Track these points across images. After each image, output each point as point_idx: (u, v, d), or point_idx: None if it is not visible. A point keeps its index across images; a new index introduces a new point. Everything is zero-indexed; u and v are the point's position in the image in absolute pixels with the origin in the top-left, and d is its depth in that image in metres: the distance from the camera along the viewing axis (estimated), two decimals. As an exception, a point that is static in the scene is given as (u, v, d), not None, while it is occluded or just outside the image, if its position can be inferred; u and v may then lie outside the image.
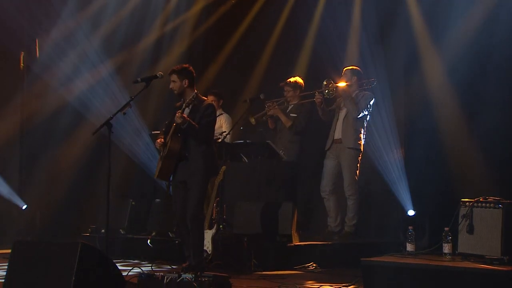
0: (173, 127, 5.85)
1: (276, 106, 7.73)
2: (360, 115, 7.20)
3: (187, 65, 6.06)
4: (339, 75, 7.39)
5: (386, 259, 5.25)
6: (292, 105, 7.78)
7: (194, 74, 6.06)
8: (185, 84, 5.94)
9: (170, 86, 6.00)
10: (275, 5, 9.21)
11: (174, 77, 5.94)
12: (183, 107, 5.94)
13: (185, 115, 5.81)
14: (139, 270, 5.75)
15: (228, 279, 5.21)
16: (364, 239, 7.39)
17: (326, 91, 7.13)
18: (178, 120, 5.73)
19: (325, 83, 7.13)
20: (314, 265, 6.59)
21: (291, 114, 7.70)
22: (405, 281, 4.93)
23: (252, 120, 7.77)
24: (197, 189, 5.83)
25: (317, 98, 7.25)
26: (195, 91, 6.03)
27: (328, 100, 7.39)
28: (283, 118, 7.69)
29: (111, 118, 5.47)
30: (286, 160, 7.53)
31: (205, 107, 5.94)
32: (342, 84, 7.24)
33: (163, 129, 6.05)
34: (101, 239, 7.34)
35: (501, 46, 6.24)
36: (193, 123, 5.79)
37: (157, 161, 6.18)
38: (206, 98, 6.14)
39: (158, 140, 6.02)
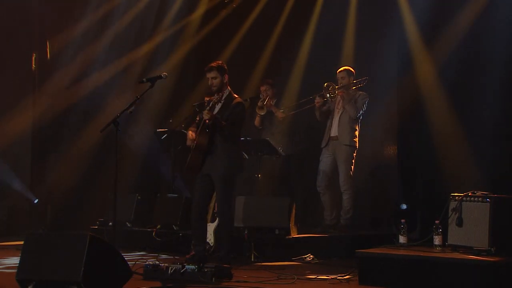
0: (202, 122, 5.94)
1: (268, 101, 7.90)
2: (358, 115, 7.32)
3: (221, 61, 6.17)
4: (334, 74, 7.51)
5: (380, 250, 5.36)
6: (273, 103, 7.98)
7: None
8: (225, 79, 6.05)
9: (210, 83, 6.07)
10: (274, 9, 9.27)
11: (213, 73, 6.02)
12: (211, 104, 5.98)
13: (213, 113, 5.86)
14: (144, 261, 5.82)
15: (229, 269, 5.33)
16: (358, 232, 7.42)
17: (328, 94, 7.25)
18: (206, 116, 5.81)
19: (325, 86, 7.26)
20: (311, 256, 6.66)
21: (280, 110, 7.88)
22: (398, 271, 5.03)
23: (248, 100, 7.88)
24: (222, 185, 5.95)
25: (317, 101, 7.36)
26: (228, 87, 6.14)
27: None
28: (275, 110, 7.87)
29: (118, 116, 5.50)
30: (282, 155, 7.68)
31: (235, 105, 6.02)
32: (342, 86, 7.35)
33: (196, 122, 6.12)
34: (108, 232, 7.40)
35: (489, 46, 6.32)
36: (221, 120, 5.85)
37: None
38: (237, 96, 6.18)
39: (190, 135, 6.05)
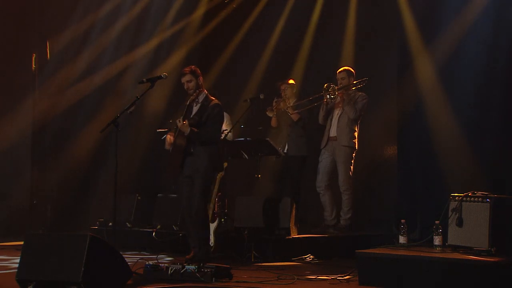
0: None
1: (282, 103, 7.87)
2: (357, 116, 7.33)
3: (194, 66, 6.24)
4: (334, 74, 7.51)
5: (380, 251, 5.36)
6: (291, 103, 7.90)
7: None
8: (200, 81, 6.15)
9: (186, 87, 6.16)
10: (274, 9, 9.31)
11: (188, 77, 6.12)
12: (185, 111, 6.08)
13: (186, 122, 5.96)
14: (144, 261, 5.76)
15: (229, 270, 5.33)
16: (358, 232, 7.44)
17: (328, 95, 7.23)
18: (184, 130, 5.94)
19: (325, 86, 7.24)
20: (311, 257, 6.67)
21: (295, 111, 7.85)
22: (398, 272, 5.01)
23: (271, 113, 7.87)
24: (200, 184, 6.00)
25: (326, 98, 7.29)
26: (204, 90, 6.23)
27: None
28: (291, 112, 7.80)
29: (118, 116, 5.57)
30: (295, 155, 7.69)
31: (212, 106, 6.12)
32: (342, 86, 7.34)
33: (175, 127, 6.18)
34: (108, 232, 7.49)
35: (490, 47, 6.33)
36: (195, 130, 5.97)
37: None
38: (213, 98, 6.26)
39: (168, 138, 6.16)
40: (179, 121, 6.01)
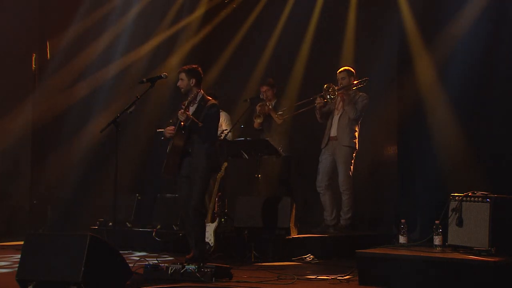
0: (177, 124, 6.01)
1: (266, 106, 7.92)
2: (357, 116, 7.34)
3: (195, 66, 6.23)
4: (334, 74, 7.52)
5: (380, 250, 5.35)
6: (272, 104, 8.00)
7: (202, 75, 6.25)
8: (192, 83, 6.12)
9: (178, 84, 6.17)
10: (274, 9, 9.32)
11: (182, 75, 6.12)
12: (187, 105, 6.06)
13: (188, 113, 5.96)
14: (144, 261, 5.81)
15: (229, 270, 5.33)
16: (358, 232, 7.43)
17: (328, 96, 7.24)
18: (181, 117, 5.90)
19: (325, 87, 7.24)
20: (312, 256, 6.66)
21: (278, 112, 7.90)
22: (398, 272, 5.01)
23: (258, 120, 7.97)
24: (199, 184, 6.00)
25: (318, 102, 7.34)
26: (201, 91, 6.23)
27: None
28: (274, 116, 7.86)
29: (118, 116, 5.58)
30: (282, 156, 7.69)
31: (209, 106, 6.11)
32: (342, 87, 7.35)
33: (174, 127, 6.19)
34: (108, 232, 7.48)
35: (490, 46, 6.33)
36: (196, 120, 5.94)
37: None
38: (210, 98, 6.27)
39: (168, 128, 6.14)
40: (182, 113, 5.94)
